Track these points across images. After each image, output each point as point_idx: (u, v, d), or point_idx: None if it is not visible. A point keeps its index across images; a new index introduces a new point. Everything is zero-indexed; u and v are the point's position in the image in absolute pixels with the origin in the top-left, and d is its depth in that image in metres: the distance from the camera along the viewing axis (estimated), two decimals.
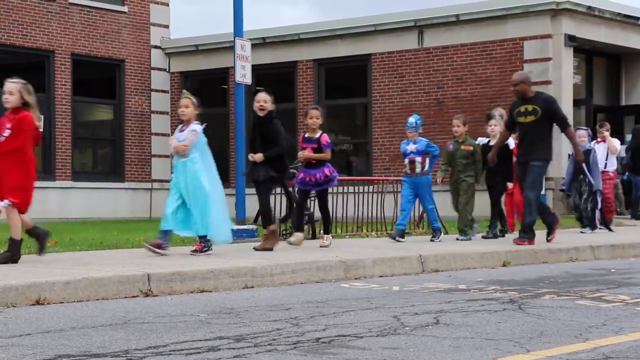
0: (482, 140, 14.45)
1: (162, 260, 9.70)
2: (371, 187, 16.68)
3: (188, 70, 27.44)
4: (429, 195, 13.48)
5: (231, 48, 16.83)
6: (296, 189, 12.68)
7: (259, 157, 11.42)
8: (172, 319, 6.68)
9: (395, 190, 15.54)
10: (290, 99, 25.70)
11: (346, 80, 26.20)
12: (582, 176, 16.18)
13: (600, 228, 16.40)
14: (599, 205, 16.24)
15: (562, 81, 22.08)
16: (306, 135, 12.14)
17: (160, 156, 26.96)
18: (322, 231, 12.42)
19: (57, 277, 7.85)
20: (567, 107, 22.16)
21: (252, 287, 8.83)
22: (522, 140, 12.79)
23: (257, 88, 12.15)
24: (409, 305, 7.48)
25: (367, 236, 14.71)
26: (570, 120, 22.08)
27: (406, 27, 23.79)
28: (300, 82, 25.55)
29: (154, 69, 27.07)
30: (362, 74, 24.72)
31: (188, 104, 10.72)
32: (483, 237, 13.93)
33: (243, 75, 14.66)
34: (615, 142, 17.84)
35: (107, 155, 26.71)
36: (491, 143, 13.94)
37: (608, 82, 25.39)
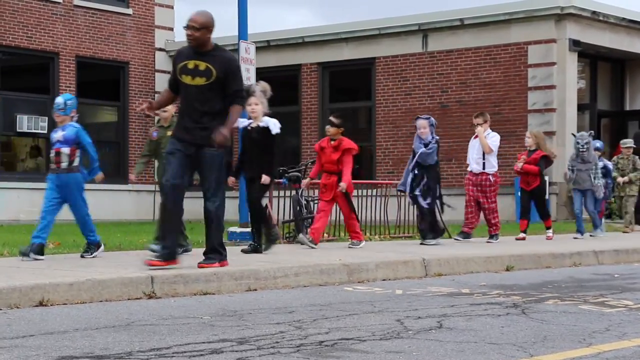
0: (242, 123, 11.58)
1: None
2: (374, 191, 16.68)
3: None
4: (81, 199, 10.39)
5: (235, 51, 16.83)
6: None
7: None
8: (175, 321, 6.68)
9: (399, 194, 15.50)
10: (294, 102, 25.69)
11: (350, 84, 26.20)
12: (418, 173, 13.53)
13: (456, 238, 14.26)
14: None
15: (567, 86, 22.05)
16: None
17: None
18: None
19: (61, 278, 7.86)
20: (571, 112, 22.19)
21: (256, 289, 8.83)
22: (184, 110, 9.29)
23: None
24: (412, 309, 7.48)
25: (370, 239, 14.69)
26: (574, 125, 22.18)
27: (411, 31, 23.79)
28: (304, 85, 25.55)
29: (158, 71, 27.06)
30: (366, 77, 24.72)
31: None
32: (243, 250, 11.44)
33: (247, 78, 14.66)
34: (493, 139, 14.72)
35: (111, 157, 26.70)
36: (252, 126, 11.48)
37: (612, 87, 25.38)
